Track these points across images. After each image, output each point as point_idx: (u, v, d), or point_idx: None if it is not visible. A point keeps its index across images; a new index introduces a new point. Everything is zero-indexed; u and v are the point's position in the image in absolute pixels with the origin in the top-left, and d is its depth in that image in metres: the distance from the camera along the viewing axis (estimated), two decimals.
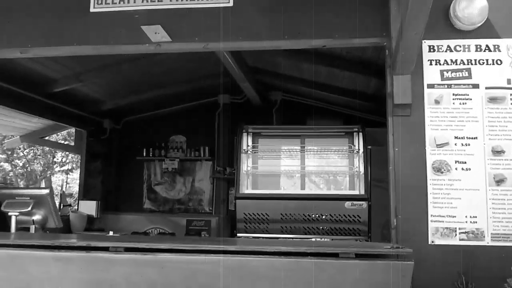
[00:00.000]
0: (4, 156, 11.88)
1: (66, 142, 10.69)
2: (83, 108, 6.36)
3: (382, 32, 3.02)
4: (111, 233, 3.70)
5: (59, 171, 13.05)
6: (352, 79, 5.12)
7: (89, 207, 6.21)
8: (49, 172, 12.68)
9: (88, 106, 6.41)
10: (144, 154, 7.19)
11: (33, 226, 3.39)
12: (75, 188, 11.00)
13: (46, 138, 7.32)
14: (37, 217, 3.39)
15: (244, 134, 4.32)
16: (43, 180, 12.91)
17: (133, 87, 6.01)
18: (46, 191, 3.39)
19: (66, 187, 13.38)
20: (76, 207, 6.63)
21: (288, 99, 6.66)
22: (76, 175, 11.60)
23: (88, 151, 6.85)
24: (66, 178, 13.50)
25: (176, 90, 6.49)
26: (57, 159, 12.66)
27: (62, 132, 9.96)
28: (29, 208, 3.25)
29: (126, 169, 7.21)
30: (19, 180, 12.35)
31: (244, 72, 5.27)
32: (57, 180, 13.91)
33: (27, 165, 12.26)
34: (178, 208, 7.25)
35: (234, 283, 2.28)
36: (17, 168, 12.32)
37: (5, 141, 8.94)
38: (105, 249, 2.38)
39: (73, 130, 7.95)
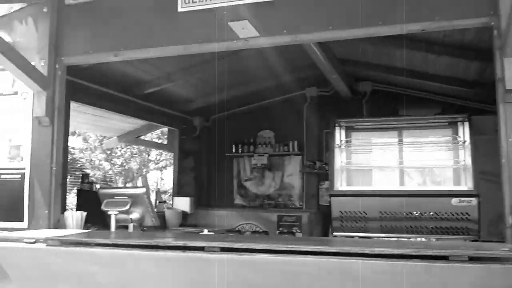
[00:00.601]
0: (104, 155, 12.64)
1: (160, 141, 11.14)
2: (174, 107, 6.54)
3: (490, 11, 2.72)
4: (205, 231, 3.73)
5: (154, 168, 13.63)
6: (450, 64, 4.76)
7: (183, 204, 6.36)
8: (145, 170, 13.29)
9: (179, 105, 6.58)
10: (233, 150, 7.26)
11: (131, 224, 3.49)
12: (169, 185, 11.44)
13: (142, 137, 7.62)
14: (135, 215, 3.49)
15: (337, 128, 4.14)
16: (140, 178, 13.56)
17: (221, 85, 6.07)
18: (143, 190, 3.48)
19: (160, 184, 13.94)
20: (170, 204, 6.85)
21: (379, 89, 6.36)
22: (170, 172, 12.07)
23: (180, 149, 7.03)
24: (161, 175, 14.11)
25: (263, 85, 6.46)
26: (152, 157, 13.25)
27: (156, 131, 10.39)
28: (127, 207, 3.35)
29: (217, 166, 7.32)
30: (117, 178, 13.09)
31: (332, 63, 5.10)
32: (152, 177, 14.57)
33: (125, 164, 12.94)
34: (268, 203, 7.23)
35: (334, 286, 2.16)
36: (116, 166, 13.05)
37: (104, 141, 9.46)
38: (201, 249, 2.36)
39: (165, 129, 8.21)
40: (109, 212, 3.35)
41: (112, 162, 12.71)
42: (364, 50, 5.27)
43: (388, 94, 6.24)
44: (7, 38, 3.36)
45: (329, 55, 4.93)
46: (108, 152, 12.20)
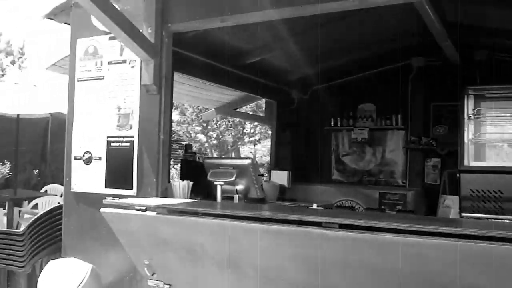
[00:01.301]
0: (200, 128, 12.91)
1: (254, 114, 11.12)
2: (273, 78, 6.39)
3: None
4: (314, 205, 3.56)
5: (248, 141, 13.71)
6: None
7: (281, 177, 6.24)
8: (239, 143, 13.39)
9: (277, 77, 6.42)
10: (332, 124, 7.00)
11: (237, 195, 3.41)
12: (263, 158, 11.44)
13: (238, 110, 7.60)
14: (240, 186, 3.40)
15: (467, 97, 3.72)
16: (233, 151, 13.73)
17: (321, 55, 5.80)
18: (249, 161, 3.37)
19: (254, 157, 14.02)
20: (268, 177, 6.76)
21: (496, 58, 5.74)
22: (263, 145, 12.05)
23: (278, 121, 6.90)
24: (254, 148, 14.16)
25: (364, 55, 6.12)
26: (246, 130, 13.31)
27: (251, 104, 10.37)
28: (233, 178, 3.26)
29: (314, 139, 7.10)
30: (213, 150, 13.33)
31: (445, 27, 4.64)
32: (245, 151, 14.67)
33: (220, 137, 13.12)
34: (368, 180, 6.92)
35: (472, 272, 1.89)
36: (212, 139, 13.29)
37: (202, 114, 9.60)
38: (318, 224, 2.19)
39: (262, 101, 8.12)
40: (215, 183, 3.29)
41: (208, 135, 12.94)
42: (483, 13, 4.73)
43: (506, 63, 5.61)
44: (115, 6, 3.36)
45: (442, 18, 4.49)
46: (204, 125, 12.42)
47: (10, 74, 16.21)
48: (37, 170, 11.86)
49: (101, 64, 3.56)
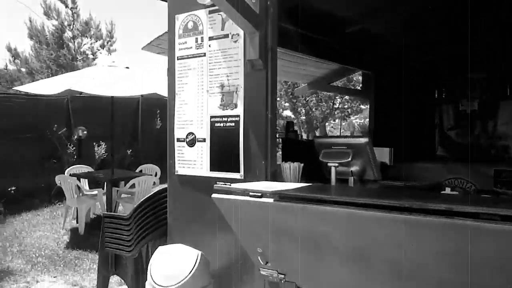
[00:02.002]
0: (288, 104, 12.64)
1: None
2: (371, 49, 5.94)
3: None
4: (447, 190, 3.18)
5: (338, 117, 13.24)
6: None
7: (382, 154, 5.82)
8: (330, 118, 12.97)
9: (376, 47, 5.96)
10: (436, 95, 6.44)
11: (351, 178, 3.11)
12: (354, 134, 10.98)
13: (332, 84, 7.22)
14: (355, 168, 3.09)
15: None
16: (319, 127, 13.34)
17: (426, 21, 5.25)
18: (365, 139, 3.04)
19: (341, 133, 13.57)
20: None
21: None
22: (354, 120, 11.58)
23: (377, 95, 6.46)
24: (344, 123, 13.65)
25: (472, 21, 5.47)
26: (336, 105, 12.84)
27: (343, 78, 9.91)
28: (349, 159, 2.96)
29: (417, 114, 6.58)
30: (301, 127, 13.02)
31: None
32: (332, 127, 14.22)
33: (310, 112, 12.76)
34: (479, 156, 6.31)
35: None
36: (301, 115, 12.97)
37: (294, 89, 9.31)
38: (474, 215, 1.84)
39: (354, 75, 7.67)
40: (329, 164, 3.00)
41: (297, 111, 12.63)
42: None
43: None
44: None
45: None
46: (294, 100, 12.12)
47: (100, 57, 16.84)
48: (130, 150, 12.24)
49: (202, 40, 3.36)
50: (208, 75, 3.33)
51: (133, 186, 7.53)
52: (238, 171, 3.17)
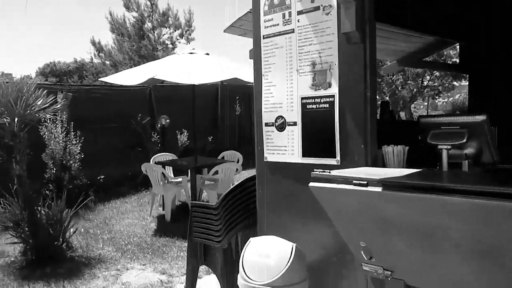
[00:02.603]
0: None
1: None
2: (468, 18, 5.36)
3: None
4: None
5: (426, 96, 12.45)
6: None
7: None
8: (418, 97, 12.22)
9: (474, 15, 5.38)
10: None
11: (466, 161, 2.73)
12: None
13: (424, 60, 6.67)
14: (469, 150, 2.71)
15: None
16: (405, 108, 12.63)
17: None
18: (482, 117, 2.64)
19: (427, 113, 12.76)
20: None
21: None
22: (443, 99, 10.81)
23: (476, 68, 5.84)
24: (428, 102, 12.80)
25: None
26: (425, 83, 12.03)
27: (433, 54, 9.23)
28: (464, 140, 2.58)
29: None
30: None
31: None
32: (414, 108, 13.40)
33: (397, 91, 12.09)
34: None
35: None
36: (386, 95, 12.34)
37: (382, 68, 8.81)
38: None
39: (448, 49, 7.04)
40: (439, 146, 2.64)
41: (383, 90, 12.02)
42: None
43: None
44: None
45: None
46: (379, 80, 11.53)
47: (180, 47, 17.08)
48: (211, 137, 12.31)
49: (289, 16, 3.10)
50: (297, 53, 3.06)
51: (216, 173, 7.49)
52: (334, 157, 2.90)
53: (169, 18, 17.39)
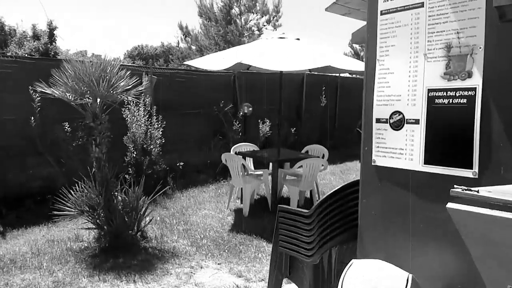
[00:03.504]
0: None
1: None
2: None
3: None
4: None
5: None
6: None
7: None
8: None
9: None
10: None
11: None
12: None
13: None
14: None
15: None
16: None
17: None
18: None
19: None
20: None
21: None
22: None
23: None
24: None
25: None
26: None
27: None
28: None
29: None
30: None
31: None
32: None
33: None
34: None
35: None
36: None
37: None
38: None
39: None
40: None
41: None
42: None
43: None
44: None
45: None
46: None
47: (266, 33, 16.63)
48: (294, 129, 11.78)
49: None
50: (426, 33, 2.42)
51: (298, 167, 6.96)
52: (470, 167, 2.25)
53: (257, 4, 16.99)
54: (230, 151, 9.90)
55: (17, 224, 6.22)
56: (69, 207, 5.40)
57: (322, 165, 7.01)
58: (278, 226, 3.22)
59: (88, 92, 5.24)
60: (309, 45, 7.03)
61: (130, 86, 5.44)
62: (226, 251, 5.41)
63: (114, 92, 5.31)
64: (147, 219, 5.81)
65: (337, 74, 13.91)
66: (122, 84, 5.39)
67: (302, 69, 6.28)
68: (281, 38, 7.13)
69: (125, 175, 7.33)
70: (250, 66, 8.12)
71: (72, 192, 5.48)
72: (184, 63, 7.67)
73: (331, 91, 13.17)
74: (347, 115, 13.85)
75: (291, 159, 7.43)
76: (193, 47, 17.01)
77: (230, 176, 9.26)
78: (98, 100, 5.39)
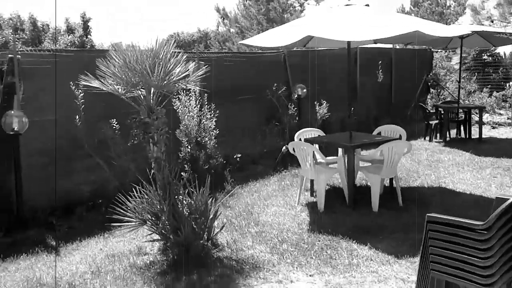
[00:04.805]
0: None
1: None
2: None
3: None
4: None
5: None
6: None
7: None
8: None
9: None
10: None
11: None
12: None
13: None
14: None
15: None
16: None
17: None
18: None
19: None
20: None
21: None
22: None
23: None
24: None
25: None
26: None
27: None
28: None
29: None
30: None
31: None
32: None
33: None
34: None
35: None
36: None
37: None
38: None
39: None
40: None
41: None
42: None
43: None
44: None
45: None
46: None
47: (308, 8, 15.63)
48: (352, 109, 10.80)
49: None
50: None
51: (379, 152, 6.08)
52: None
53: None
54: (287, 138, 9.10)
55: (70, 237, 5.58)
56: (129, 216, 4.70)
57: (406, 148, 6.10)
58: (429, 242, 2.37)
59: (141, 82, 4.48)
60: (378, 13, 6.09)
61: (187, 73, 4.66)
62: (313, 257, 4.60)
63: (171, 81, 4.53)
64: (216, 223, 5.05)
65: (391, 46, 12.83)
66: (178, 70, 4.61)
67: (382, 37, 5.35)
68: (348, 5, 6.20)
69: (181, 173, 6.59)
70: (308, 42, 7.23)
71: (130, 198, 4.78)
72: (240, 42, 6.82)
73: (387, 66, 12.12)
74: (403, 90, 12.79)
75: (370, 143, 6.54)
76: (232, 30, 16.12)
77: (292, 165, 8.49)
78: (152, 90, 4.63)
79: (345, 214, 5.83)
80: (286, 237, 5.16)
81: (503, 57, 16.79)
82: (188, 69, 4.63)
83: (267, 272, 4.33)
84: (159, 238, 4.70)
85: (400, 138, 6.80)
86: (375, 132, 7.24)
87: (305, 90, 9.43)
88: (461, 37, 10.60)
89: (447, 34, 5.57)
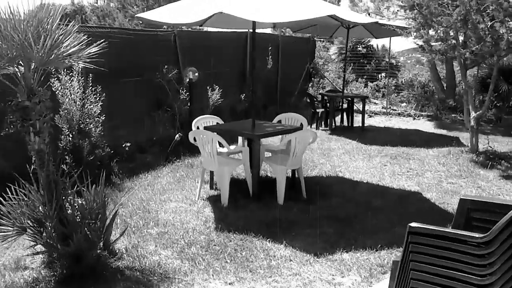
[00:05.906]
0: None
1: None
2: None
3: None
4: None
5: None
6: None
7: None
8: None
9: None
10: None
11: None
12: None
13: None
14: None
15: None
16: None
17: None
18: None
19: None
20: None
21: None
22: None
23: None
24: None
25: None
26: None
27: None
28: None
29: None
30: None
31: None
32: None
33: None
34: None
35: None
36: None
37: None
38: None
39: None
40: None
41: None
42: None
43: None
44: None
45: None
46: None
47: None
48: (243, 95, 10.46)
49: None
50: None
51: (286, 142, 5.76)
52: None
53: None
54: (177, 125, 8.47)
55: None
56: (2, 224, 3.77)
57: (312, 138, 5.87)
58: (410, 257, 2.02)
59: (20, 56, 3.57)
60: None
61: (79, 47, 3.84)
62: (228, 261, 4.12)
63: (60, 56, 3.68)
64: (114, 225, 4.31)
65: (279, 33, 12.73)
66: (67, 43, 3.77)
67: (299, 19, 4.98)
68: None
69: (62, 165, 5.65)
70: (206, 22, 6.64)
71: (3, 201, 3.85)
72: (137, 16, 5.97)
73: (276, 51, 11.99)
74: (289, 77, 12.80)
75: (275, 132, 6.19)
76: (112, 4, 14.69)
77: (184, 154, 7.88)
78: (32, 66, 3.74)
79: (252, 209, 5.44)
80: (194, 239, 4.61)
81: (376, 49, 17.74)
82: (82, 43, 3.80)
83: (180, 283, 3.75)
84: (44, 250, 3.86)
85: (301, 126, 6.57)
86: (275, 120, 6.94)
87: (197, 74, 8.82)
88: (348, 27, 10.80)
89: (364, 21, 5.40)
